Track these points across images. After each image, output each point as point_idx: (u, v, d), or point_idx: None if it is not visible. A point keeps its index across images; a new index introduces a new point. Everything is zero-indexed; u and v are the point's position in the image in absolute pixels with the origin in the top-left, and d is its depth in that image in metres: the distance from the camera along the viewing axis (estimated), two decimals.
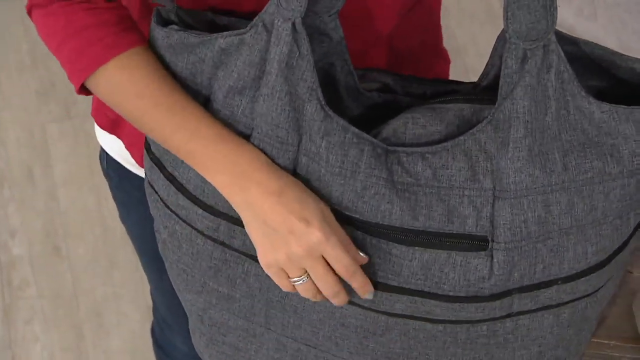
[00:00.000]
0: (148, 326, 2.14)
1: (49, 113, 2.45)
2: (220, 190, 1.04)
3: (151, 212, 1.17)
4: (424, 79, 1.12)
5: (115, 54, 1.06)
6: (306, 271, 1.03)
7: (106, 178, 1.41)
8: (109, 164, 1.37)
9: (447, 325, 1.07)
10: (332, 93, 1.07)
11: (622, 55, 1.05)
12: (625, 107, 1.01)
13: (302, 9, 0.99)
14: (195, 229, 1.10)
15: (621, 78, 1.05)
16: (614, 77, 1.06)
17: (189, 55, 1.05)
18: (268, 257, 1.03)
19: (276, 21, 1.01)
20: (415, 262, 1.03)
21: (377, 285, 1.05)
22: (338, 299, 1.05)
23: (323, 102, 1.02)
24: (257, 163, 1.03)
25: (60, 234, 2.28)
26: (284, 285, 1.05)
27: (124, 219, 1.45)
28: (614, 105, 1.01)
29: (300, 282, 1.03)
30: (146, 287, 2.19)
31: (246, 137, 1.04)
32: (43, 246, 2.26)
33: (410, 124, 1.04)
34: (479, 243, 1.02)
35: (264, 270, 1.08)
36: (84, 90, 1.10)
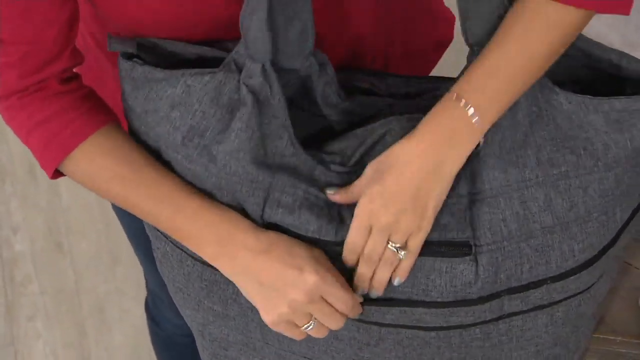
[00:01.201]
0: None
1: None
2: (211, 262, 1.04)
3: (147, 231, 1.17)
4: (409, 77, 1.11)
5: (79, 142, 1.05)
6: (312, 316, 1.03)
7: None
8: None
9: (440, 331, 1.06)
10: (308, 101, 1.06)
11: (601, 45, 1.05)
12: (592, 97, 1.01)
13: (268, 55, 0.99)
14: (184, 252, 1.10)
15: (602, 70, 1.05)
16: (597, 69, 1.06)
17: (149, 91, 1.04)
18: (272, 315, 1.03)
19: (247, 61, 1.00)
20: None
21: (365, 300, 1.05)
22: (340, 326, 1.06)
23: (294, 140, 1.01)
24: (240, 227, 1.03)
25: (63, 230, 2.28)
26: (296, 335, 1.05)
27: (117, 212, 1.48)
28: (581, 95, 1.02)
29: (311, 327, 1.04)
30: None
31: (204, 178, 1.04)
32: (45, 242, 2.26)
33: (388, 137, 1.03)
34: (462, 249, 1.02)
35: None
36: (58, 174, 1.10)
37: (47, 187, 2.34)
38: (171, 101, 1.03)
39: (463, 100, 0.98)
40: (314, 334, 1.05)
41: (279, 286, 1.01)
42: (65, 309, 2.18)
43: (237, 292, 1.09)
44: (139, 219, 1.16)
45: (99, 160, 1.06)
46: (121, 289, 2.20)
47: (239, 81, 1.01)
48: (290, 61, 1.02)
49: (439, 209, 1.00)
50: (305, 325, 1.04)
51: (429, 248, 1.02)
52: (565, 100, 1.02)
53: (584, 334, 1.13)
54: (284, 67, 1.01)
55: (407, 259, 1.01)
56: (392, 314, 1.05)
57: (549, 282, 1.04)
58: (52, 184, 2.34)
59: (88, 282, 2.21)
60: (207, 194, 1.05)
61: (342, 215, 1.03)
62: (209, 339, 1.17)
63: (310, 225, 1.02)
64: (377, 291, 1.04)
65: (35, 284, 2.21)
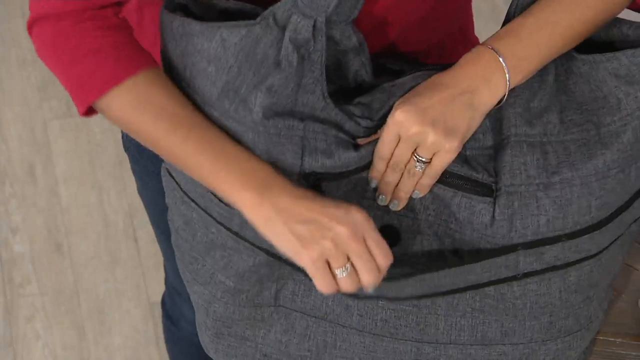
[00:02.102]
0: (150, 323, 2.13)
1: (51, 109, 2.44)
2: (244, 209, 1.04)
3: (166, 201, 1.18)
4: (435, 65, 1.13)
5: (130, 75, 1.05)
6: (348, 260, 1.03)
7: (126, 152, 1.42)
8: (128, 137, 1.38)
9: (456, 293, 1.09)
10: (338, 76, 1.08)
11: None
12: (600, 54, 1.06)
13: (328, 11, 1.01)
14: (212, 217, 1.11)
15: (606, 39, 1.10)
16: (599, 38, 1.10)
17: (186, 45, 1.05)
18: (313, 249, 1.02)
19: (294, 17, 1.01)
20: (429, 195, 1.07)
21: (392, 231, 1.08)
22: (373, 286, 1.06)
23: (326, 94, 1.03)
24: (280, 176, 1.04)
25: (62, 231, 2.27)
26: (327, 284, 1.04)
27: (140, 191, 1.47)
28: (591, 55, 1.06)
29: (344, 272, 1.03)
30: (148, 284, 2.19)
31: (241, 133, 1.04)
32: (44, 243, 2.26)
33: None
34: (483, 189, 1.05)
35: (274, 259, 1.09)
36: (89, 112, 1.09)
37: (46, 187, 2.34)
38: (207, 55, 1.04)
39: (498, 55, 1.03)
40: (344, 284, 1.03)
41: (325, 222, 1.02)
42: (64, 310, 2.17)
43: (257, 263, 1.10)
44: (166, 206, 1.15)
45: (144, 97, 1.05)
46: (120, 289, 2.20)
47: (276, 36, 1.02)
48: (333, 27, 1.03)
49: (467, 136, 1.04)
50: (340, 270, 1.03)
51: (453, 180, 1.06)
52: (581, 63, 1.06)
53: (595, 311, 1.14)
54: (326, 32, 1.04)
55: (428, 174, 1.05)
56: (410, 286, 1.07)
57: (564, 239, 1.06)
58: (51, 185, 2.34)
59: (87, 283, 2.21)
60: None
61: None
62: (213, 317, 1.17)
63: (352, 159, 1.05)
64: (399, 202, 1.06)
65: (34, 285, 2.20)
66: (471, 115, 1.03)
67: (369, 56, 1.07)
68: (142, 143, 1.08)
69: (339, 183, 1.07)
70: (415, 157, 1.04)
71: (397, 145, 1.04)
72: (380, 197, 1.07)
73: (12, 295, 2.19)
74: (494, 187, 1.05)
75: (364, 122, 1.06)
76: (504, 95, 1.04)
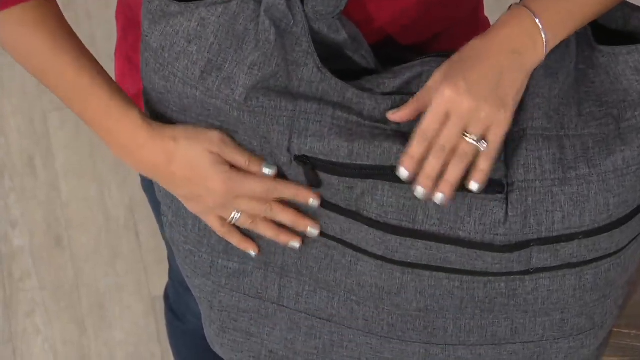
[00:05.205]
0: (151, 318, 2.13)
1: (50, 101, 2.44)
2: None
3: (157, 196, 1.17)
4: (444, 52, 1.11)
5: (21, 2, 1.05)
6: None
7: None
8: None
9: (464, 280, 1.05)
10: (342, 66, 1.07)
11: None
12: (620, 46, 1.03)
13: None
14: None
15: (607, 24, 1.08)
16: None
17: (165, 26, 1.04)
18: (197, 208, 1.08)
19: None
20: (431, 203, 1.02)
21: (391, 230, 1.03)
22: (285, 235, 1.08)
23: (320, 65, 1.02)
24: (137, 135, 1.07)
25: (62, 224, 2.27)
26: (225, 230, 1.08)
27: (145, 187, 1.46)
28: (611, 47, 1.04)
29: (237, 217, 1.07)
30: (149, 278, 2.19)
31: (227, 112, 1.04)
32: (44, 237, 2.26)
33: (425, 77, 1.03)
34: (494, 187, 1.01)
35: None
36: None
37: (46, 180, 2.33)
38: (187, 35, 1.04)
39: (532, 15, 0.98)
40: (242, 223, 1.07)
41: (193, 196, 1.06)
42: (64, 305, 2.17)
43: (258, 235, 1.10)
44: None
45: (45, 16, 1.07)
46: (121, 284, 2.19)
47: (254, 10, 1.02)
48: (319, 19, 1.02)
49: (518, 101, 0.98)
50: (232, 216, 1.07)
51: (462, 181, 1.00)
52: (600, 54, 1.04)
53: (610, 310, 1.12)
54: (313, 26, 1.03)
55: (487, 155, 0.98)
56: (416, 250, 1.04)
57: (580, 237, 1.03)
58: (51, 178, 2.34)
59: (88, 277, 2.20)
60: (230, 131, 1.06)
61: (374, 134, 1.02)
62: (218, 308, 1.16)
63: (341, 150, 1.01)
64: (445, 194, 0.99)
65: (34, 280, 2.20)
66: (521, 77, 0.97)
67: (368, 47, 1.06)
68: (31, 69, 1.09)
69: (332, 180, 1.04)
70: (466, 136, 0.97)
71: (443, 124, 0.97)
72: (417, 189, 0.99)
73: (12, 289, 2.19)
74: (504, 182, 1.02)
75: (369, 86, 1.03)
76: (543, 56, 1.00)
